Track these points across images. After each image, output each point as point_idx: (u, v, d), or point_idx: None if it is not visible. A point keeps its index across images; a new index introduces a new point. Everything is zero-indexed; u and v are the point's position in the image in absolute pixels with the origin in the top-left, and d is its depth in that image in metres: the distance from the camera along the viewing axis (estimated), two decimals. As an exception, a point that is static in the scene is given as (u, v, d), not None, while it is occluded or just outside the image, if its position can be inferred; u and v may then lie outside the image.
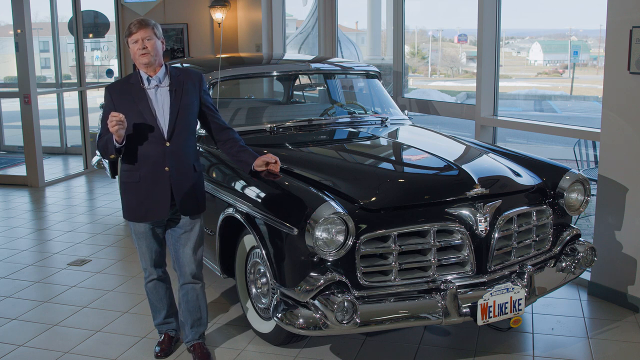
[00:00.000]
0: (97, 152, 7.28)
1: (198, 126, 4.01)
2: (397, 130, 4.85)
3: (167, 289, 3.77)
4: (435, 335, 3.95)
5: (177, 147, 3.44)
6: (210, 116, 3.65)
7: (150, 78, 3.43)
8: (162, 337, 3.80)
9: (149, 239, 3.58)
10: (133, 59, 3.42)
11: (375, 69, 5.42)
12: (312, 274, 3.28)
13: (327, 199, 3.33)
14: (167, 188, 3.44)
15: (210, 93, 4.58)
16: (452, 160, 3.87)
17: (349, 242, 3.24)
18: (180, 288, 3.71)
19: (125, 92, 3.44)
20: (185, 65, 5.25)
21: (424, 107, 6.42)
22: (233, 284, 4.21)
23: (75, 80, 9.14)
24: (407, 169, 4.04)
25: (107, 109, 3.43)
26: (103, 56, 10.49)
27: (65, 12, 9.67)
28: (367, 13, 13.62)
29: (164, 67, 3.47)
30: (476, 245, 3.44)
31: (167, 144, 3.41)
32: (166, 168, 3.42)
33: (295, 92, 5.70)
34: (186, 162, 3.49)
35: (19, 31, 7.76)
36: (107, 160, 6.79)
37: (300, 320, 3.25)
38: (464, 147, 4.41)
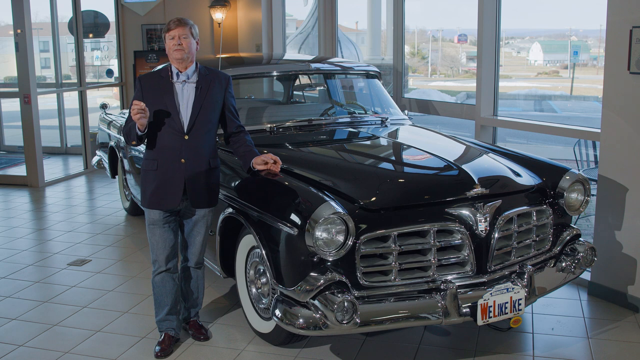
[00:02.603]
0: (97, 153, 7.31)
1: None
2: (397, 130, 4.85)
3: (174, 285, 3.80)
4: (435, 335, 3.95)
5: (195, 141, 3.61)
6: (229, 118, 3.82)
7: (179, 73, 3.63)
8: (162, 337, 3.81)
9: (163, 227, 3.69)
10: (167, 53, 3.62)
11: (375, 69, 5.42)
12: (312, 273, 3.28)
13: (327, 199, 3.33)
14: (181, 179, 3.61)
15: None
16: (452, 160, 3.87)
17: (349, 242, 3.24)
18: (181, 269, 3.91)
19: (154, 83, 3.64)
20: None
21: (424, 107, 6.42)
22: (233, 284, 4.22)
23: (75, 80, 9.14)
24: (407, 169, 4.04)
25: (136, 97, 3.63)
26: (103, 56, 10.48)
27: (65, 12, 9.69)
28: (367, 13, 13.62)
29: (194, 65, 3.66)
30: (476, 245, 3.44)
31: (186, 137, 3.59)
32: (182, 160, 3.60)
33: (295, 92, 5.70)
34: (202, 157, 3.65)
35: (19, 31, 7.76)
36: (107, 162, 6.80)
37: (300, 320, 3.26)
38: (464, 147, 4.41)
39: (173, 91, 3.60)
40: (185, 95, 3.61)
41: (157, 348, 3.77)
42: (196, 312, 4.00)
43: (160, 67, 4.06)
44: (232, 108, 3.82)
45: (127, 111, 5.93)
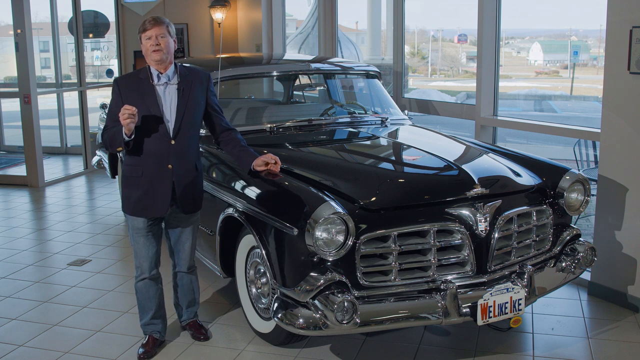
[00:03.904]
0: (97, 153, 7.31)
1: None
2: (397, 130, 4.85)
3: (157, 290, 3.75)
4: (435, 335, 3.95)
5: (182, 145, 3.50)
6: (215, 117, 3.71)
7: (160, 75, 3.49)
8: (147, 339, 3.78)
9: (147, 235, 3.61)
10: (145, 55, 3.47)
11: (375, 69, 5.42)
12: (312, 274, 3.28)
13: (327, 199, 3.33)
14: (169, 185, 3.50)
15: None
16: (452, 160, 3.87)
17: (349, 242, 3.24)
18: (174, 274, 3.85)
19: (134, 86, 3.48)
20: (185, 65, 5.25)
21: (424, 107, 6.42)
22: (233, 283, 4.22)
23: (75, 80, 9.14)
24: (407, 169, 4.04)
25: (114, 101, 3.49)
26: (103, 56, 10.49)
27: (65, 12, 9.69)
28: (367, 13, 13.61)
29: (173, 65, 3.54)
30: (476, 245, 3.44)
31: (172, 142, 3.47)
32: (169, 165, 3.48)
33: (295, 92, 5.70)
34: (189, 161, 3.56)
35: (19, 31, 7.76)
36: (107, 156, 6.79)
37: (300, 320, 3.25)
38: (464, 147, 4.41)
39: (155, 94, 3.45)
40: (168, 98, 3.48)
41: (141, 350, 3.74)
42: (194, 311, 3.97)
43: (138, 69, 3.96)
44: (216, 106, 3.70)
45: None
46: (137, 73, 3.54)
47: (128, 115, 3.22)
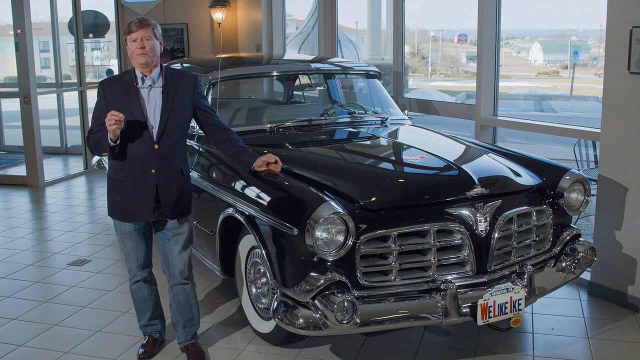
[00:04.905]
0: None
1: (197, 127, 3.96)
2: (397, 130, 4.85)
3: (152, 291, 3.72)
4: (435, 335, 3.95)
5: (166, 150, 3.43)
6: (207, 118, 3.63)
7: (144, 77, 3.42)
8: (147, 339, 3.77)
9: (135, 239, 3.56)
10: (130, 57, 3.41)
11: (375, 69, 5.42)
12: (312, 274, 3.28)
13: (327, 199, 3.33)
14: (152, 190, 3.42)
15: (210, 93, 4.58)
16: (452, 160, 3.87)
17: (349, 242, 3.24)
18: (170, 289, 3.69)
19: (118, 89, 3.43)
20: (185, 65, 5.26)
21: (424, 107, 6.43)
22: (233, 284, 4.22)
23: (75, 80, 9.15)
24: (407, 169, 4.04)
25: (99, 104, 3.44)
26: (103, 56, 10.49)
27: (65, 12, 9.69)
28: (367, 13, 13.62)
29: (159, 67, 3.46)
30: (476, 245, 3.44)
31: (156, 146, 3.40)
32: (152, 170, 3.40)
33: (295, 92, 5.70)
34: (174, 166, 3.48)
35: (19, 31, 7.76)
36: (107, 162, 6.80)
37: (300, 320, 3.25)
38: (464, 147, 4.41)
39: (139, 97, 3.38)
40: (152, 102, 3.41)
41: (141, 350, 3.73)
42: (192, 333, 3.74)
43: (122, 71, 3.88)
44: (206, 108, 3.63)
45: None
46: (122, 76, 3.49)
47: (115, 122, 3.17)
